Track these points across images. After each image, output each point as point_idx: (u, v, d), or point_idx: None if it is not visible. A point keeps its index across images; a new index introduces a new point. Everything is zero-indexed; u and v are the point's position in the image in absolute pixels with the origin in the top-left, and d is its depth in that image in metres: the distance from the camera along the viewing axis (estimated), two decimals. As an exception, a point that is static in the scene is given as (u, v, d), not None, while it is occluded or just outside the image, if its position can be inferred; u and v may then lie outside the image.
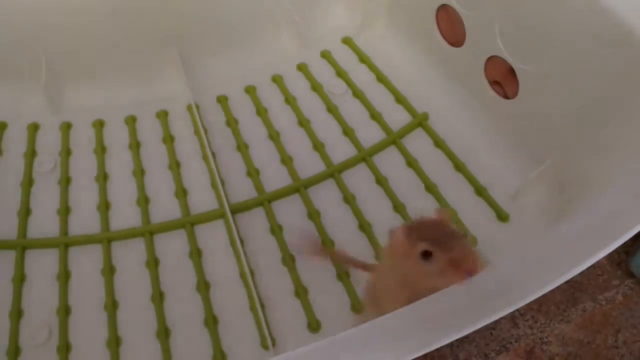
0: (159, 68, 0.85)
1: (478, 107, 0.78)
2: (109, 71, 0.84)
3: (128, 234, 0.69)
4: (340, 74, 0.88)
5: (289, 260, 0.66)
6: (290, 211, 0.71)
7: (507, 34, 0.70)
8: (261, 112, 0.82)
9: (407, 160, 0.76)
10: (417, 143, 0.78)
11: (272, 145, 0.79)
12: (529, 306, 0.69)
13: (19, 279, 0.65)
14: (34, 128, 0.80)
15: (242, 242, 0.67)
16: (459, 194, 0.72)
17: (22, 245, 0.67)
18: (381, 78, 0.87)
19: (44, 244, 0.68)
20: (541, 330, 0.67)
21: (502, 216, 0.69)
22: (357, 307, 0.63)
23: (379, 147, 0.77)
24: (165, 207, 0.72)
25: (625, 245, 0.73)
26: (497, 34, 0.70)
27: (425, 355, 0.64)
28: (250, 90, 0.85)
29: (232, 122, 0.81)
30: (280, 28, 0.90)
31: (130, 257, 0.67)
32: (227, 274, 0.66)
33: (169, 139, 0.79)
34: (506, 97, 0.73)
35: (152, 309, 0.63)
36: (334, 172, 0.75)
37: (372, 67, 0.88)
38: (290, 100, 0.84)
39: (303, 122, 0.81)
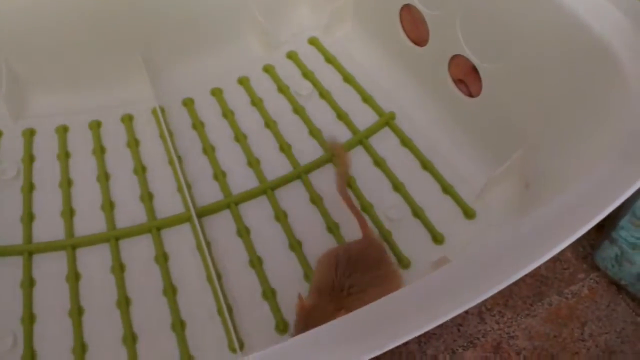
0: (124, 72, 0.84)
1: (443, 105, 0.78)
2: (72, 76, 0.83)
3: (93, 240, 0.68)
4: (307, 74, 0.87)
5: (256, 262, 0.66)
6: (257, 213, 0.71)
7: (469, 33, 0.70)
8: (227, 114, 0.82)
9: (374, 159, 0.76)
10: (384, 142, 0.79)
11: (238, 148, 0.78)
12: (495, 301, 0.69)
13: (-19, 289, 0.64)
14: (-5, 135, 0.79)
15: (208, 245, 0.67)
16: (426, 192, 0.73)
17: (-21, 255, 0.66)
18: (348, 78, 0.87)
19: (6, 251, 0.67)
20: (508, 325, 0.67)
21: (468, 213, 0.70)
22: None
23: (346, 147, 0.77)
24: (130, 212, 0.71)
25: (590, 238, 0.75)
26: (459, 33, 0.71)
27: (392, 352, 0.64)
28: (216, 93, 0.85)
29: (198, 125, 0.81)
30: (245, 30, 0.90)
31: (95, 262, 0.67)
32: (194, 277, 0.65)
33: (134, 143, 0.78)
34: (470, 95, 0.74)
35: (118, 315, 0.62)
36: (300, 174, 0.75)
37: (339, 67, 0.88)
38: (256, 102, 0.84)
39: (270, 124, 0.81)
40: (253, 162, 0.76)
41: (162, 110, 0.80)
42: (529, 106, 0.65)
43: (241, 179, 0.74)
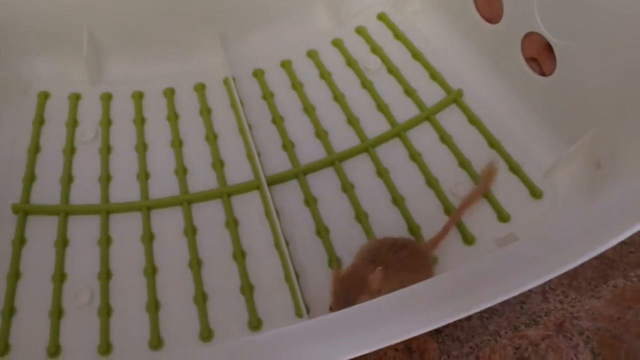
0: (197, 42, 0.86)
1: (513, 83, 0.77)
2: (148, 44, 0.85)
3: (167, 203, 0.71)
4: (375, 49, 0.88)
5: (322, 231, 0.67)
6: (324, 184, 0.73)
7: (546, 9, 0.69)
8: (296, 86, 0.83)
9: (440, 136, 0.77)
10: (451, 119, 0.79)
11: (307, 119, 0.80)
12: (559, 281, 0.69)
13: (62, 244, 0.67)
14: (75, 98, 0.82)
15: (277, 213, 0.69)
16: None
17: (65, 211, 0.69)
18: (416, 54, 0.87)
19: (86, 210, 0.70)
20: (572, 305, 0.67)
21: (535, 193, 0.70)
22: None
23: (413, 123, 0.78)
24: (202, 178, 0.73)
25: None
26: (536, 9, 0.70)
27: (455, 325, 0.65)
28: (285, 65, 0.86)
29: (267, 96, 0.82)
30: (315, 4, 0.91)
31: (168, 224, 0.69)
32: (262, 243, 0.67)
33: (206, 111, 0.81)
34: (542, 74, 0.73)
35: (190, 275, 0.65)
36: (368, 147, 0.75)
37: (407, 44, 0.88)
38: (325, 75, 0.85)
39: (338, 97, 0.82)
40: (321, 134, 0.77)
41: (234, 80, 0.82)
42: (607, 86, 0.64)
43: (309, 150, 0.76)
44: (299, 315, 0.61)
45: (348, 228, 0.68)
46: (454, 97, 0.80)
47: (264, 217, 0.70)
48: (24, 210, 0.69)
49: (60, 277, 0.64)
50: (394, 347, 0.63)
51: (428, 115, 0.79)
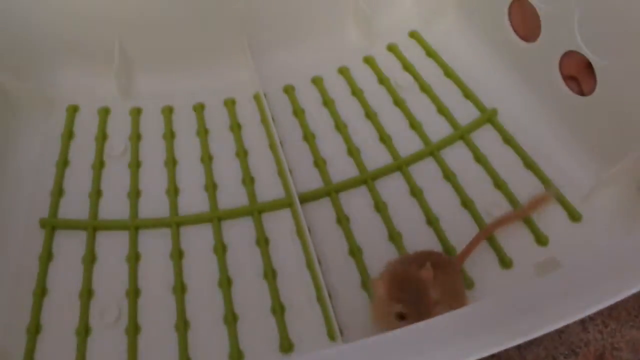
0: (228, 56, 0.85)
1: (550, 103, 0.75)
2: (178, 58, 0.85)
3: (196, 219, 0.69)
4: (407, 67, 0.87)
5: (355, 251, 0.66)
6: (357, 202, 0.71)
7: (587, 28, 0.68)
8: (328, 102, 0.82)
9: (475, 155, 0.75)
10: (486, 139, 0.77)
11: (339, 136, 0.78)
12: (599, 311, 0.67)
13: (90, 260, 0.66)
14: (104, 112, 0.81)
15: (309, 231, 0.67)
16: (529, 191, 0.70)
17: (93, 227, 0.68)
18: (449, 73, 0.85)
19: (114, 225, 0.69)
20: (612, 336, 0.65)
21: (574, 216, 0.67)
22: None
23: (447, 142, 0.76)
24: (232, 194, 0.72)
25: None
26: (576, 28, 0.69)
27: (492, 356, 0.63)
28: (316, 81, 0.85)
29: (298, 112, 0.81)
30: (348, 20, 0.90)
31: (198, 242, 0.68)
32: (294, 263, 0.66)
33: (236, 126, 0.80)
34: (581, 93, 0.71)
35: (219, 294, 0.63)
36: (401, 165, 0.74)
37: (440, 62, 0.87)
38: (356, 92, 0.83)
39: (370, 114, 0.80)
40: (353, 151, 0.76)
41: (265, 96, 0.81)
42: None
43: (341, 168, 0.74)
44: (331, 337, 0.59)
45: (381, 248, 0.67)
46: (489, 116, 0.79)
47: (295, 236, 0.68)
48: (52, 225, 0.68)
49: (87, 294, 0.63)
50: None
51: (462, 134, 0.77)
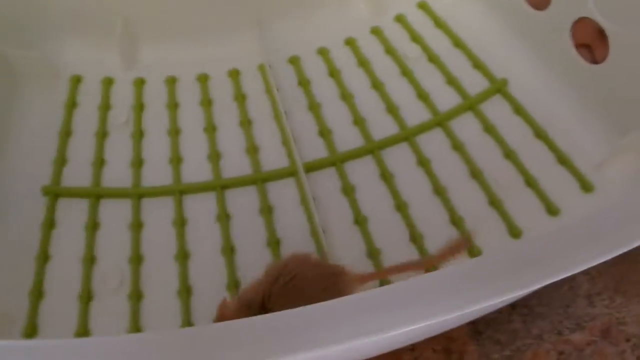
0: (233, 27, 0.84)
1: (562, 72, 0.74)
2: (182, 28, 0.83)
3: (200, 188, 0.68)
4: (415, 38, 0.85)
5: (361, 221, 0.65)
6: (363, 172, 0.70)
7: (599, -8, 0.66)
8: (334, 73, 0.81)
9: (485, 126, 0.73)
10: (496, 109, 0.75)
11: (344, 106, 0.77)
12: (605, 285, 0.66)
13: (92, 227, 0.65)
14: (108, 82, 0.80)
15: (313, 200, 0.66)
16: (540, 162, 0.69)
17: (96, 194, 0.68)
18: (458, 43, 0.83)
19: (118, 193, 0.68)
20: (618, 311, 0.63)
21: (586, 186, 0.66)
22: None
23: (456, 112, 0.75)
24: (236, 163, 0.71)
25: None
26: (589, -7, 0.67)
27: (496, 328, 0.62)
28: (322, 52, 0.84)
29: (304, 83, 0.80)
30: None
31: (201, 210, 0.67)
32: (298, 231, 0.65)
33: (240, 97, 0.78)
34: (594, 61, 0.70)
35: (222, 262, 0.62)
36: (408, 135, 0.72)
37: (449, 32, 0.85)
38: (363, 62, 0.82)
39: (377, 85, 0.79)
40: (359, 121, 0.74)
41: (269, 66, 0.80)
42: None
43: (347, 137, 0.73)
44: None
45: (387, 218, 0.65)
46: (498, 87, 0.77)
47: (299, 205, 0.67)
48: (55, 193, 0.68)
49: (90, 260, 0.62)
50: (432, 348, 0.60)
51: (471, 105, 0.75)
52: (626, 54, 0.65)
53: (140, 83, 0.80)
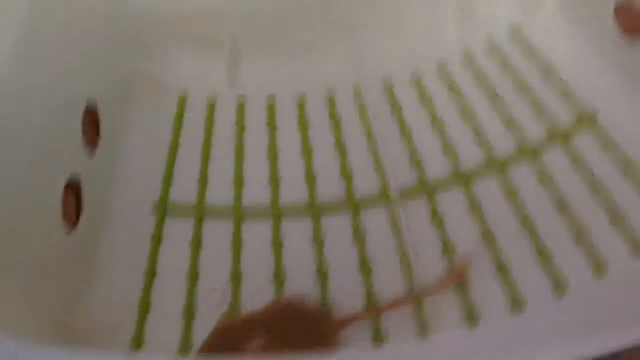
0: (330, 48, 0.88)
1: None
2: (282, 47, 0.88)
3: (296, 210, 0.73)
4: (505, 64, 0.86)
5: (450, 251, 0.67)
6: (451, 202, 0.72)
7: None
8: (425, 98, 0.84)
9: (572, 157, 0.74)
10: (584, 142, 0.76)
11: (434, 133, 0.80)
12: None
13: (197, 244, 0.70)
14: (212, 99, 0.86)
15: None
16: (630, 198, 0.69)
17: (200, 214, 0.73)
18: (547, 70, 0.84)
19: (217, 211, 0.73)
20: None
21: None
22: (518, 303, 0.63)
23: (545, 143, 0.76)
24: (330, 187, 0.75)
25: None
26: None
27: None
28: (415, 76, 0.87)
29: (396, 107, 0.83)
30: (445, 15, 0.91)
31: (295, 234, 0.71)
32: (389, 258, 0.68)
33: (335, 119, 0.83)
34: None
35: (317, 285, 0.66)
36: (497, 166, 0.75)
37: (538, 59, 0.86)
38: (453, 88, 0.85)
39: (465, 112, 0.82)
40: (449, 148, 0.78)
41: (363, 89, 0.83)
42: None
43: (437, 165, 0.76)
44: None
45: (475, 250, 0.68)
46: (589, 119, 0.77)
47: (390, 232, 0.70)
48: (163, 209, 0.73)
49: (194, 277, 0.67)
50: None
51: (559, 136, 0.77)
52: None
53: (243, 101, 0.86)
